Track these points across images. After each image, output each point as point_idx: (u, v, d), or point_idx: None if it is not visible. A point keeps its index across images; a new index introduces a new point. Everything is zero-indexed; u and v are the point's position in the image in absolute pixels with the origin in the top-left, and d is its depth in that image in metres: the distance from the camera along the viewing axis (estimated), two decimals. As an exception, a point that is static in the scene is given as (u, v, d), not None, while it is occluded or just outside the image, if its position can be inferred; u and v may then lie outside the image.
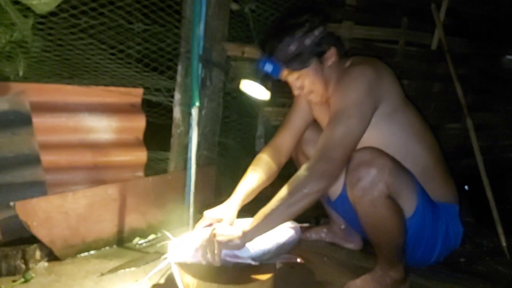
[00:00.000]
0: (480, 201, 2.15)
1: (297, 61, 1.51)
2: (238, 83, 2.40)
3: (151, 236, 1.89)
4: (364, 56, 1.61)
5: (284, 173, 2.63)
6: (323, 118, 1.71)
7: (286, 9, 1.93)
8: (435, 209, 1.57)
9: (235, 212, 1.59)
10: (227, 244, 1.36)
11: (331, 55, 1.54)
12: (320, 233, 2.00)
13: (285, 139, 1.78)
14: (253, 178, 1.66)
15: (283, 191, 1.38)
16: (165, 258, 1.40)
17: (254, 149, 2.53)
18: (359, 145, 1.47)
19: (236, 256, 1.39)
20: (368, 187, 1.38)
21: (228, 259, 1.38)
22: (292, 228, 1.58)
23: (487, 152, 2.56)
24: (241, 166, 2.57)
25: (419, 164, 1.55)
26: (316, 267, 1.74)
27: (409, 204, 1.49)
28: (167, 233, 1.47)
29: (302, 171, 1.40)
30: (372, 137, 1.49)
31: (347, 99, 1.45)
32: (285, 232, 1.55)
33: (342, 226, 1.95)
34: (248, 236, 1.38)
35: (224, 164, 2.52)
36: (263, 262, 1.46)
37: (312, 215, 2.28)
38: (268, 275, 1.44)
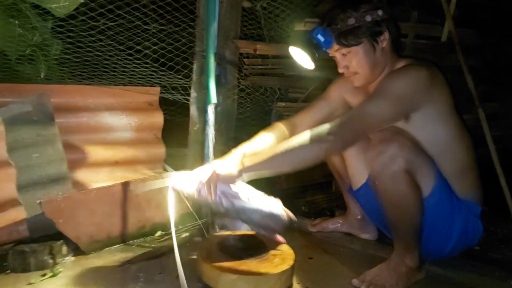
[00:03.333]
0: (494, 189, 2.17)
1: (351, 36, 1.51)
2: (252, 80, 2.46)
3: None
4: (423, 60, 1.59)
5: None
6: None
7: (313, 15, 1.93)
8: (455, 200, 1.57)
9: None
10: (224, 177, 1.42)
11: (385, 39, 1.53)
12: (336, 224, 2.03)
13: (305, 120, 1.81)
14: (263, 140, 1.69)
15: (293, 138, 1.44)
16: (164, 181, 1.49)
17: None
18: None
19: (224, 194, 1.45)
20: (388, 161, 1.40)
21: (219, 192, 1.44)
22: (283, 209, 1.58)
23: (499, 141, 2.57)
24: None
25: (456, 163, 1.56)
26: (333, 257, 1.77)
27: (426, 183, 1.50)
28: (167, 166, 1.51)
29: (320, 127, 1.42)
30: (418, 135, 1.50)
31: (393, 86, 1.44)
32: (274, 205, 1.56)
33: (358, 217, 1.97)
34: (246, 167, 1.44)
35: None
36: (240, 218, 1.50)
37: (327, 207, 2.31)
38: (287, 265, 1.47)
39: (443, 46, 2.80)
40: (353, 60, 1.55)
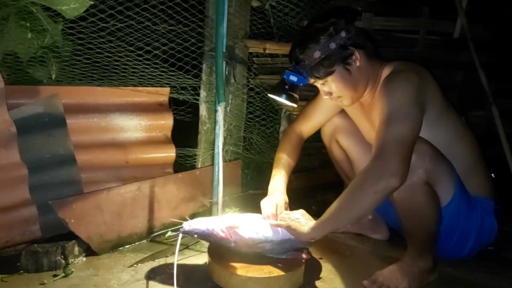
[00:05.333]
0: (508, 188, 2.14)
1: (321, 68, 1.48)
2: (261, 79, 2.46)
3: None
4: (406, 62, 1.55)
5: (307, 165, 2.67)
6: (356, 117, 1.73)
7: (314, 14, 1.89)
8: (471, 201, 1.57)
9: (285, 196, 1.69)
10: (295, 231, 1.45)
11: (357, 58, 1.49)
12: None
13: (307, 129, 1.87)
14: (286, 164, 1.77)
15: (346, 193, 1.38)
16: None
17: (278, 143, 2.57)
18: None
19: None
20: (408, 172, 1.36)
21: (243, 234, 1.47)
22: None
23: (513, 138, 2.54)
24: (265, 160, 2.61)
25: (461, 164, 1.55)
26: (343, 257, 1.77)
27: (446, 192, 1.49)
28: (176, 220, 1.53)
29: (362, 175, 1.36)
30: None
31: (398, 101, 1.39)
32: None
33: (369, 217, 1.96)
34: (316, 232, 1.43)
35: (249, 159, 2.56)
36: (266, 254, 1.50)
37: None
38: (297, 265, 1.48)
39: (455, 42, 2.78)
40: (332, 87, 1.53)
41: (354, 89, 1.54)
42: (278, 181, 1.71)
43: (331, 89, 1.54)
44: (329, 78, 1.50)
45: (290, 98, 1.60)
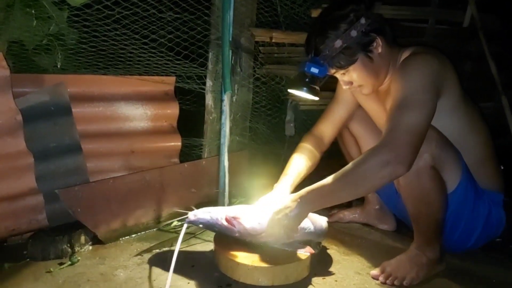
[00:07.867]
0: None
1: (343, 57, 1.43)
2: (267, 69, 2.44)
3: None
4: (425, 47, 1.51)
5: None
6: (370, 105, 1.71)
7: (320, 3, 1.82)
8: (479, 191, 1.55)
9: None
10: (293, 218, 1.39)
11: (379, 44, 1.45)
12: (354, 214, 2.02)
13: (327, 129, 1.80)
14: (299, 165, 1.69)
15: (349, 172, 1.33)
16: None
17: (284, 134, 2.56)
18: None
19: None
20: None
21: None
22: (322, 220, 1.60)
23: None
24: (271, 150, 2.61)
25: (473, 156, 1.53)
26: (350, 247, 1.76)
27: (452, 178, 1.47)
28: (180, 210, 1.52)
29: (367, 156, 1.31)
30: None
31: (413, 85, 1.36)
32: (317, 221, 1.58)
33: (376, 207, 1.95)
34: (303, 205, 1.39)
35: (255, 149, 2.55)
36: (271, 245, 1.48)
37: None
38: (304, 255, 1.47)
39: (465, 32, 2.74)
40: (354, 76, 1.49)
41: (376, 77, 1.51)
42: (282, 182, 1.65)
43: (352, 78, 1.51)
44: (351, 67, 1.47)
45: (312, 91, 1.53)
